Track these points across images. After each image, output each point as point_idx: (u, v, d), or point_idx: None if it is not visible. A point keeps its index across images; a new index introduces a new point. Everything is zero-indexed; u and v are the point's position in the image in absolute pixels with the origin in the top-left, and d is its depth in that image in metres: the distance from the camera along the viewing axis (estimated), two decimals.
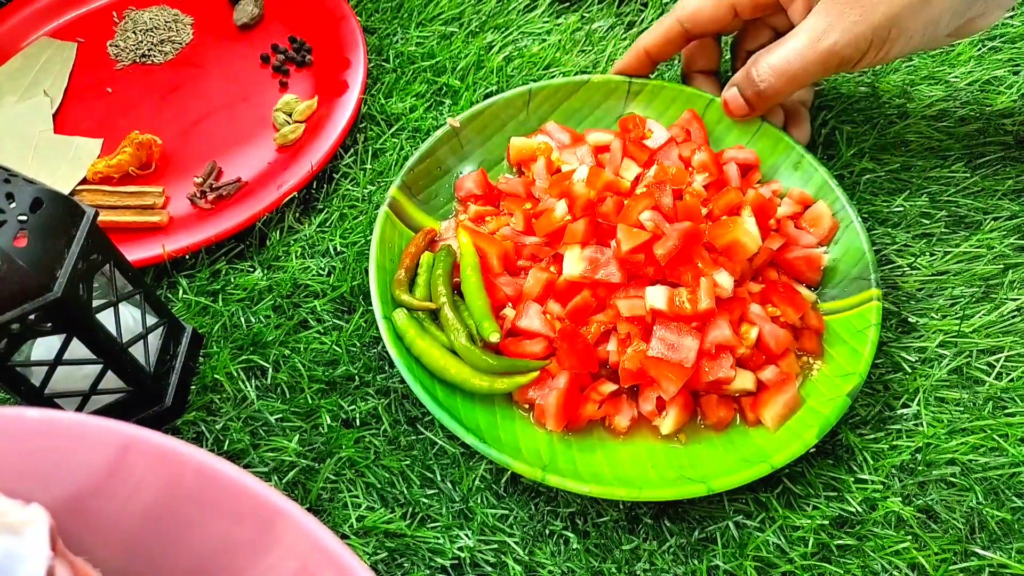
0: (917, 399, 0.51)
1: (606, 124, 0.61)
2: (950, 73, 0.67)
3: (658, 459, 0.48)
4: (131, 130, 0.66)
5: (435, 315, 0.52)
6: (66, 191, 0.61)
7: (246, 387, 0.52)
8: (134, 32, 0.75)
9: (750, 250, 0.50)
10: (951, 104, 0.65)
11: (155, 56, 0.73)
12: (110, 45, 0.75)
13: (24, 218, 0.40)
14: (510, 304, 0.53)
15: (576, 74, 0.68)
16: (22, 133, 0.67)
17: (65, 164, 0.65)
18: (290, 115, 0.67)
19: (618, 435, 0.50)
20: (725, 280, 0.49)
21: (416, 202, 0.57)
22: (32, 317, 0.40)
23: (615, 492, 0.45)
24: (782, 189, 0.57)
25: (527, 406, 0.50)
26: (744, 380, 0.49)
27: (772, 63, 0.54)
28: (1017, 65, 0.67)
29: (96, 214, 0.44)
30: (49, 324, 0.42)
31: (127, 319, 0.49)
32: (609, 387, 0.50)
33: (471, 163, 0.60)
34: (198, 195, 0.63)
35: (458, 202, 0.59)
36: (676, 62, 0.67)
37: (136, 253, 0.57)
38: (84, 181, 0.64)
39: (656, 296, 0.49)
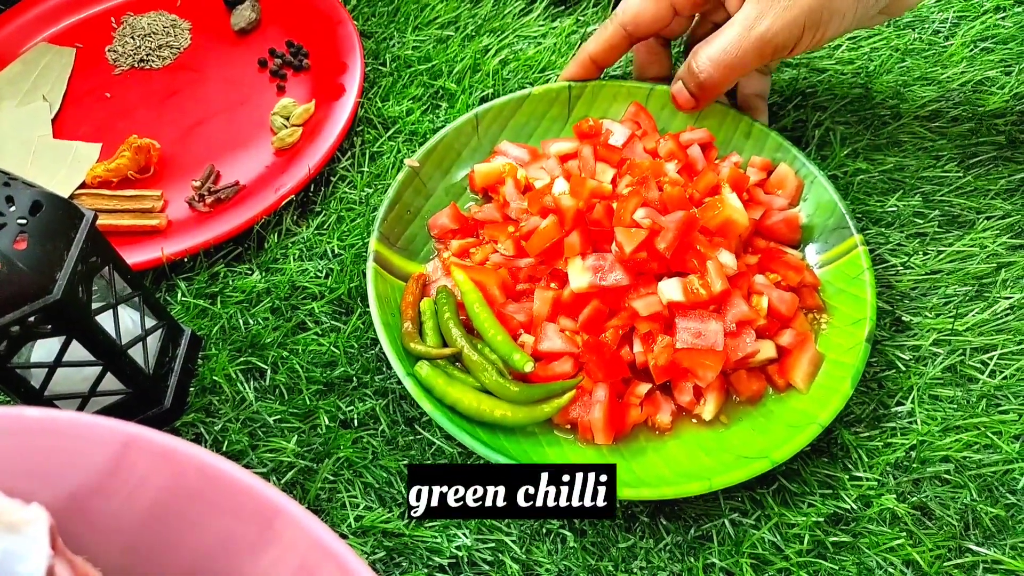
0: (911, 397, 0.51)
1: (555, 132, 0.62)
2: (943, 74, 0.67)
3: (709, 445, 0.48)
4: (130, 134, 0.66)
5: (455, 359, 0.51)
6: (65, 195, 0.61)
7: (245, 389, 0.52)
8: (132, 37, 0.75)
9: (742, 225, 0.52)
10: (944, 104, 0.66)
11: (153, 61, 0.74)
12: (108, 50, 0.75)
13: (24, 221, 0.40)
14: (522, 331, 0.52)
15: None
16: (21, 137, 0.68)
17: (64, 168, 0.65)
18: (287, 119, 0.67)
19: (663, 432, 0.50)
20: (728, 259, 0.50)
21: (397, 251, 0.55)
22: (32, 319, 0.41)
23: (688, 488, 0.44)
24: (742, 160, 0.59)
25: (568, 426, 0.50)
26: (767, 349, 0.50)
27: (709, 54, 0.54)
28: (1009, 66, 0.68)
29: (95, 217, 0.44)
30: (49, 326, 0.42)
31: (126, 321, 0.49)
32: (644, 387, 0.50)
33: (437, 199, 0.59)
34: (196, 199, 0.63)
35: (436, 241, 0.58)
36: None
37: (135, 256, 0.58)
38: (83, 185, 0.65)
39: (671, 289, 0.49)
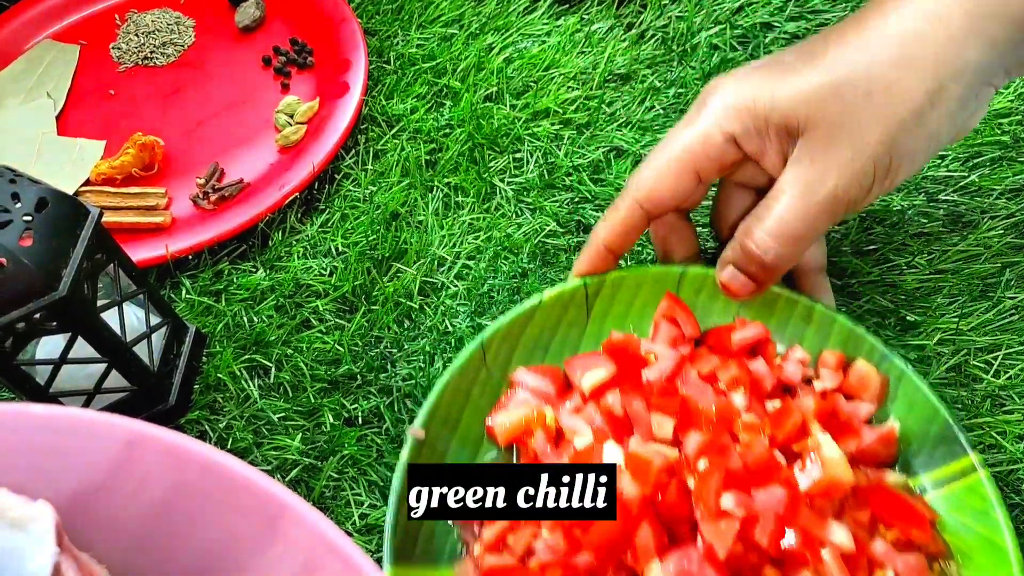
0: None
1: (575, 339, 0.51)
2: None
3: None
4: (134, 132, 0.66)
5: None
6: (69, 192, 0.61)
7: (249, 386, 0.52)
8: (136, 34, 0.75)
9: (847, 483, 0.42)
10: None
11: (157, 58, 0.74)
12: (112, 48, 0.75)
13: (29, 218, 0.40)
14: None
15: (575, 76, 0.68)
16: (25, 135, 0.68)
17: (68, 165, 0.66)
18: (291, 116, 0.67)
19: None
20: (843, 537, 0.41)
21: (416, 562, 0.43)
22: (37, 316, 0.41)
23: None
24: (808, 357, 0.49)
25: None
26: None
27: (770, 228, 0.45)
28: None
29: (101, 214, 0.44)
30: (54, 323, 0.42)
31: (131, 319, 0.50)
32: None
33: (451, 461, 0.48)
34: (200, 196, 0.63)
35: (461, 529, 0.46)
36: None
37: (139, 254, 0.58)
38: (87, 182, 0.65)
39: None
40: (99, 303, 0.45)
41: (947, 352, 0.53)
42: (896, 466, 0.46)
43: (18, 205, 0.40)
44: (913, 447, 0.46)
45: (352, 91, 0.66)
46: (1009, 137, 0.63)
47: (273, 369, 0.53)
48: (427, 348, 0.54)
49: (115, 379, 0.47)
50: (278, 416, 0.51)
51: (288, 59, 0.72)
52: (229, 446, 0.50)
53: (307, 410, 0.52)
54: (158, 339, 0.51)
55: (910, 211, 0.59)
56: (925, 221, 0.59)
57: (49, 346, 0.48)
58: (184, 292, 0.57)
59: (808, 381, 0.48)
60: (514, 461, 0.48)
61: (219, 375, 0.53)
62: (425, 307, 0.56)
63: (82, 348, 0.45)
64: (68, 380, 0.46)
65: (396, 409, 0.52)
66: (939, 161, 0.62)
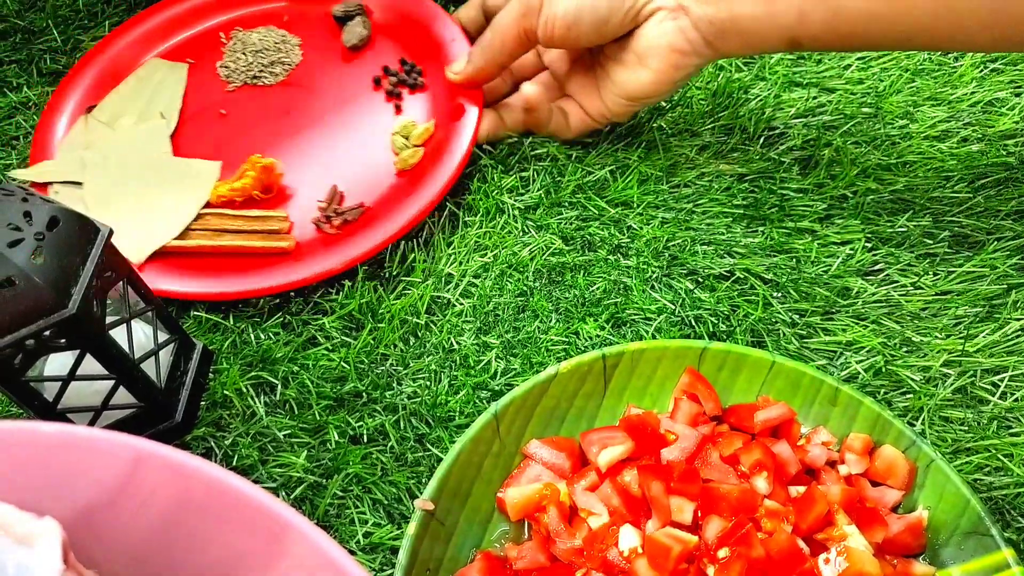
0: (922, 418, 0.51)
1: (591, 412, 0.51)
2: (952, 94, 0.68)
3: None
4: (247, 152, 0.64)
5: None
6: (192, 214, 0.60)
7: (255, 403, 0.53)
8: (244, 53, 0.72)
9: None
10: (954, 125, 0.66)
11: (266, 77, 0.71)
12: (220, 66, 0.72)
13: (41, 236, 0.41)
14: None
15: None
16: (142, 156, 0.65)
17: (188, 187, 0.63)
18: (407, 138, 0.65)
19: None
20: None
21: None
22: (47, 333, 0.41)
23: None
24: (833, 440, 0.48)
25: None
26: None
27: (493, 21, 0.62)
28: (1019, 87, 0.68)
29: (111, 232, 0.45)
30: (63, 340, 0.42)
31: (139, 335, 0.50)
32: None
33: (461, 535, 0.46)
34: (323, 220, 0.61)
35: None
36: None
37: (265, 280, 0.57)
38: (207, 204, 0.62)
39: None
40: (108, 320, 0.45)
41: (953, 374, 0.53)
42: (924, 556, 0.46)
43: (30, 224, 0.41)
44: (942, 537, 0.45)
45: (468, 114, 0.64)
46: (1015, 159, 0.63)
47: (279, 386, 0.53)
48: (432, 366, 0.54)
49: (122, 395, 0.48)
50: (284, 433, 0.52)
51: (399, 80, 0.70)
52: (235, 463, 0.51)
53: (312, 427, 0.52)
54: (165, 356, 0.51)
55: (915, 231, 0.60)
56: (930, 242, 0.59)
57: (57, 363, 0.48)
58: (192, 309, 0.57)
59: (833, 464, 0.48)
60: (525, 537, 0.47)
61: (225, 392, 0.53)
62: (431, 325, 0.56)
63: (90, 364, 0.45)
64: (76, 396, 0.47)
65: (401, 427, 0.52)
66: (944, 182, 0.62)
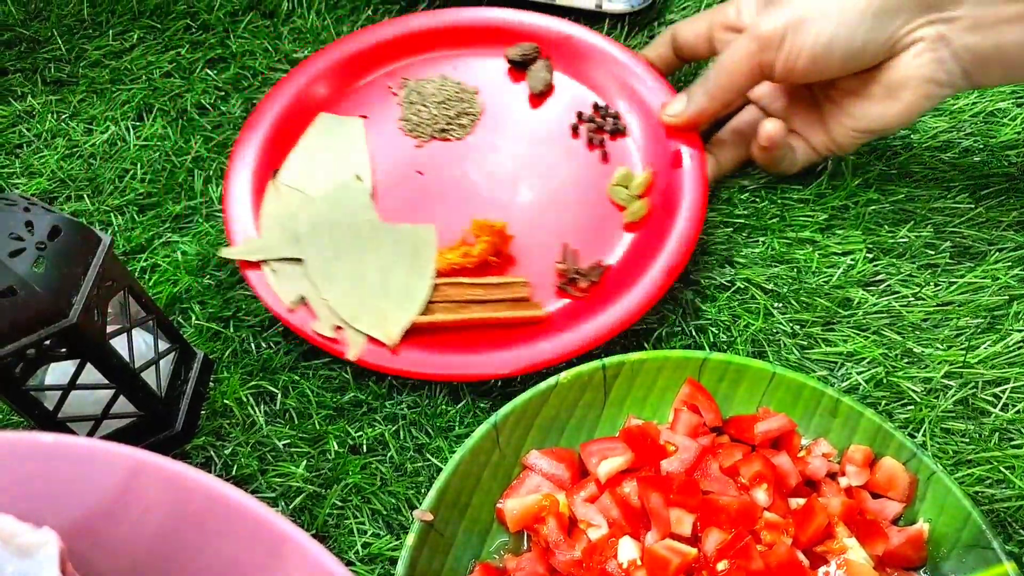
0: (923, 430, 0.51)
1: (591, 421, 0.51)
2: (954, 104, 0.68)
3: None
4: (451, 213, 0.60)
5: None
6: (429, 286, 0.56)
7: (255, 412, 0.53)
8: (423, 105, 0.66)
9: None
10: (955, 135, 0.66)
11: (454, 131, 0.66)
12: (402, 120, 0.66)
13: (43, 246, 0.41)
14: None
15: None
16: (348, 222, 0.59)
17: (410, 255, 0.57)
18: (627, 188, 0.61)
19: None
20: None
21: None
22: (48, 342, 0.41)
23: None
24: (833, 452, 0.48)
25: None
26: None
27: (718, 59, 0.59)
28: (1021, 97, 0.68)
29: (112, 242, 0.45)
30: (64, 349, 0.43)
31: (140, 344, 0.50)
32: None
33: (459, 547, 0.46)
34: (566, 283, 0.57)
35: None
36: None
37: (521, 354, 0.53)
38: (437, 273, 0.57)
39: None
40: (108, 329, 0.45)
41: (954, 385, 0.53)
42: (925, 570, 0.45)
43: (32, 233, 0.41)
44: (943, 550, 0.45)
45: (692, 158, 0.60)
46: (1016, 169, 0.63)
47: (279, 395, 0.54)
48: None
49: (123, 404, 0.48)
50: (283, 443, 0.52)
51: (596, 125, 0.65)
52: (234, 472, 0.51)
53: (312, 437, 0.52)
54: (166, 365, 0.51)
55: (917, 242, 0.59)
56: (932, 252, 0.59)
57: (58, 371, 0.48)
58: (193, 318, 0.57)
59: (833, 476, 0.48)
60: (524, 548, 0.47)
61: (226, 401, 0.53)
62: None
63: (90, 373, 0.45)
64: (76, 405, 0.47)
65: (401, 437, 0.52)
66: (946, 193, 0.62)
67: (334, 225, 0.59)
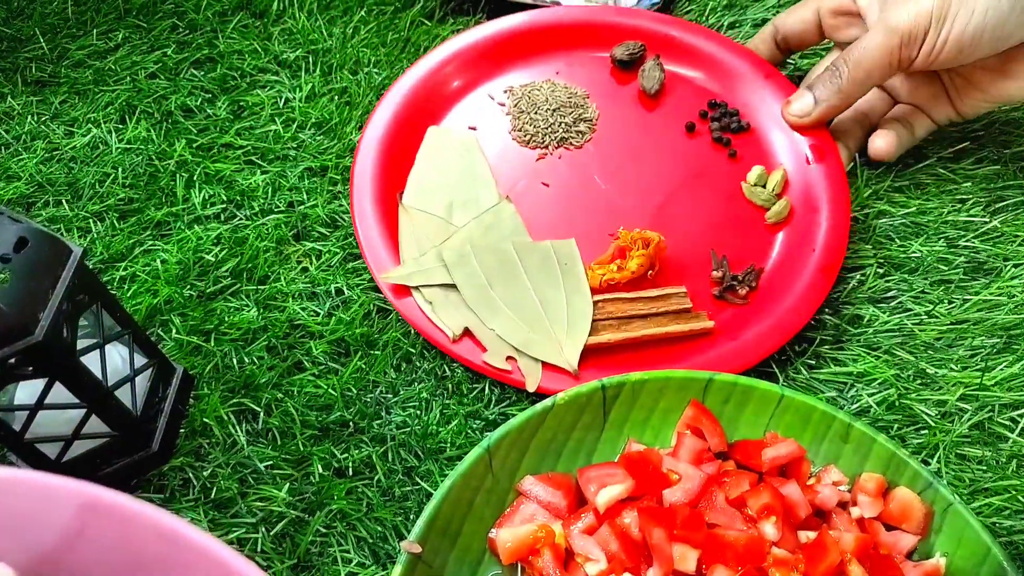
0: (937, 456, 0.48)
1: (590, 444, 0.48)
2: None
3: None
4: (590, 224, 0.59)
5: None
6: (590, 304, 0.54)
7: (236, 432, 0.50)
8: (535, 114, 0.64)
9: None
10: (969, 146, 0.63)
11: (573, 138, 0.63)
12: (515, 132, 0.64)
13: (8, 258, 0.39)
14: None
15: None
16: (499, 247, 0.56)
17: (560, 272, 0.55)
18: (764, 187, 0.60)
19: None
20: None
21: None
22: (13, 360, 0.39)
23: None
24: (845, 480, 0.46)
25: None
26: None
27: (846, 55, 0.56)
28: None
29: (83, 253, 0.42)
30: (31, 368, 0.40)
31: (115, 360, 0.48)
32: None
33: None
34: (725, 290, 0.56)
35: None
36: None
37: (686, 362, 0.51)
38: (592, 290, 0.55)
39: None
40: (81, 344, 0.43)
41: (970, 408, 0.50)
42: None
43: None
44: None
45: (828, 154, 0.59)
46: None
47: (262, 414, 0.51)
48: (423, 394, 0.52)
49: (95, 424, 0.45)
50: (265, 464, 0.49)
51: (720, 124, 0.63)
52: (213, 496, 0.48)
53: (296, 459, 0.49)
54: (143, 381, 0.49)
55: (929, 257, 0.57)
56: (945, 268, 0.57)
57: (29, 390, 0.46)
58: (173, 331, 0.55)
59: (844, 505, 0.45)
60: None
61: (205, 419, 0.50)
62: (425, 351, 0.54)
63: (61, 392, 0.43)
64: (46, 425, 0.44)
65: (389, 459, 0.49)
66: (959, 206, 0.60)
67: (479, 249, 0.56)
